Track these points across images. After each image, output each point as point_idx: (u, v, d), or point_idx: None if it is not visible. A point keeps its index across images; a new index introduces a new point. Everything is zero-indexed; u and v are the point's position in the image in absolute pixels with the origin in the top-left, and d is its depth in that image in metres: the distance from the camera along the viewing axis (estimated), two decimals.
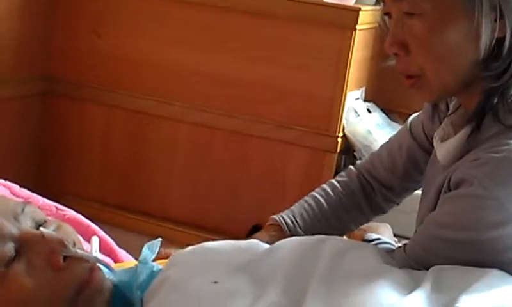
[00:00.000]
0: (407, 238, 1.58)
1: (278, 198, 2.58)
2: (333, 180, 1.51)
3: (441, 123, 1.24)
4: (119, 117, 2.77)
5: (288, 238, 1.15)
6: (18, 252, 0.95)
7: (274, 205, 2.58)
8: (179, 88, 2.65)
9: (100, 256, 1.09)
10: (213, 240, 1.34)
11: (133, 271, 1.04)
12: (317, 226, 1.41)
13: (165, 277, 1.01)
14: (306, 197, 1.48)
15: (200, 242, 1.26)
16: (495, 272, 1.00)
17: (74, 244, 1.00)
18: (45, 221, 1.03)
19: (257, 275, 1.01)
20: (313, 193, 1.49)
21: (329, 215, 1.45)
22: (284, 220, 1.43)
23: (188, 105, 2.64)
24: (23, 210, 1.01)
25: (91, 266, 0.99)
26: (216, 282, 0.99)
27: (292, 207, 1.47)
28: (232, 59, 2.56)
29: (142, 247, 1.14)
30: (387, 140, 1.52)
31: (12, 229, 0.96)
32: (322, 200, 1.46)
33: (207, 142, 2.67)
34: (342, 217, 1.46)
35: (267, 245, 1.13)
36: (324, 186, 1.50)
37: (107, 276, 1.02)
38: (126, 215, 2.77)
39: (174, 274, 1.01)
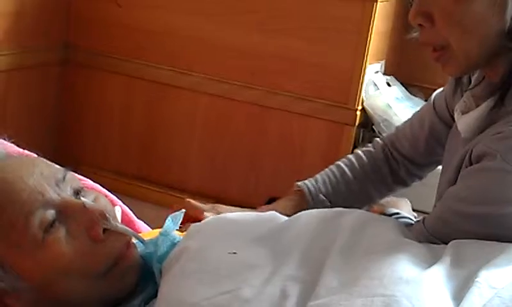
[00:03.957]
0: (426, 213, 1.57)
1: (296, 171, 2.58)
2: (359, 150, 1.52)
3: (463, 96, 1.23)
4: (138, 87, 2.77)
5: (307, 211, 1.15)
6: (58, 220, 0.96)
7: (292, 177, 2.57)
8: (198, 59, 2.65)
9: None
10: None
11: (155, 242, 1.05)
12: (340, 194, 1.41)
13: (184, 247, 1.02)
14: (331, 166, 1.49)
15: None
16: None
17: (113, 217, 1.00)
18: (82, 189, 1.03)
19: (275, 247, 1.01)
20: (339, 162, 1.49)
21: (352, 184, 1.45)
22: (307, 186, 1.44)
23: (207, 76, 2.64)
24: (64, 177, 1.01)
25: (127, 240, 1.00)
26: (234, 253, 0.99)
27: (317, 175, 1.47)
28: (250, 30, 2.55)
29: (159, 219, 1.15)
30: (412, 115, 1.51)
31: (54, 195, 0.97)
32: (346, 169, 1.47)
33: (226, 113, 2.67)
34: (365, 187, 1.46)
35: (286, 218, 1.12)
36: (350, 156, 1.50)
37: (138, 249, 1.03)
38: (144, 187, 2.78)
39: (193, 244, 1.02)
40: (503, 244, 1.00)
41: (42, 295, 0.96)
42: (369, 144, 1.54)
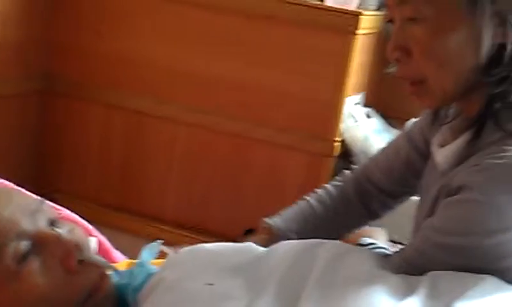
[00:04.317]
0: (402, 243, 1.58)
1: (278, 202, 2.56)
2: (328, 185, 1.51)
3: (440, 129, 1.24)
4: (118, 117, 2.77)
5: (284, 242, 1.15)
6: (32, 251, 0.95)
7: (274, 209, 2.58)
8: (179, 89, 2.65)
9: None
10: (210, 242, 1.34)
11: (130, 273, 1.04)
12: (310, 231, 1.40)
13: (160, 278, 1.01)
14: (299, 202, 1.48)
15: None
16: (490, 279, 1.00)
17: (88, 248, 1.00)
18: (59, 220, 1.02)
19: (252, 278, 1.01)
20: (307, 197, 1.49)
21: (322, 219, 1.45)
22: (276, 223, 1.43)
23: (187, 107, 2.65)
24: (40, 207, 1.00)
25: (102, 272, 1.00)
26: (211, 284, 0.98)
27: (285, 211, 1.46)
28: (232, 62, 2.56)
29: (136, 248, 1.14)
30: (383, 147, 1.51)
31: (29, 226, 0.96)
32: (315, 204, 1.46)
33: (206, 144, 2.67)
34: (335, 222, 1.46)
35: (263, 249, 1.12)
36: (318, 190, 1.50)
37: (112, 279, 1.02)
38: (122, 217, 2.77)
39: (169, 275, 1.01)
40: (478, 275, 1.00)
41: None
42: (338, 178, 1.53)
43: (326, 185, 1.51)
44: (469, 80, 1.09)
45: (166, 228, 2.70)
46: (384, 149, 1.50)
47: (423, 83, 1.11)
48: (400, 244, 1.61)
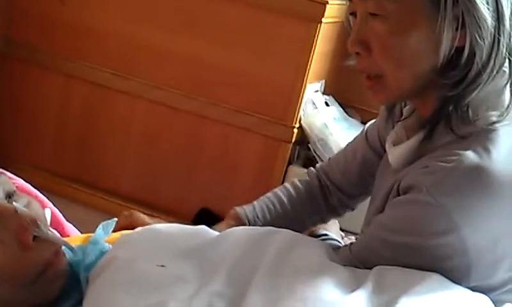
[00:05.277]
0: (353, 233, 1.61)
1: (230, 183, 2.60)
2: (296, 180, 1.53)
3: (394, 127, 1.26)
4: (77, 88, 2.74)
5: (238, 228, 1.16)
6: None
7: (225, 190, 2.61)
8: (139, 64, 2.64)
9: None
10: (163, 220, 1.34)
11: (83, 250, 1.04)
12: (276, 222, 1.42)
13: (112, 257, 1.01)
14: (268, 194, 1.50)
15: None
16: (436, 277, 1.02)
17: (44, 224, 0.99)
18: (15, 193, 1.01)
19: (204, 262, 1.02)
20: (276, 191, 1.51)
21: (290, 213, 1.47)
22: (245, 212, 1.44)
23: (147, 82, 2.64)
24: None
25: (57, 249, 0.99)
26: (162, 266, 0.99)
27: (254, 202, 1.48)
28: (193, 39, 2.55)
29: (90, 221, 1.14)
30: (345, 145, 1.53)
31: None
32: (284, 198, 1.48)
33: (163, 121, 2.66)
34: (302, 216, 1.48)
35: (217, 233, 1.13)
36: (287, 185, 1.52)
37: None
38: (76, 188, 2.75)
39: (122, 254, 1.01)
40: (424, 272, 1.03)
41: None
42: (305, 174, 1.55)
43: (294, 179, 1.54)
44: (425, 80, 1.11)
45: (120, 202, 2.69)
46: (344, 150, 1.52)
47: (380, 78, 1.13)
48: (351, 233, 1.64)
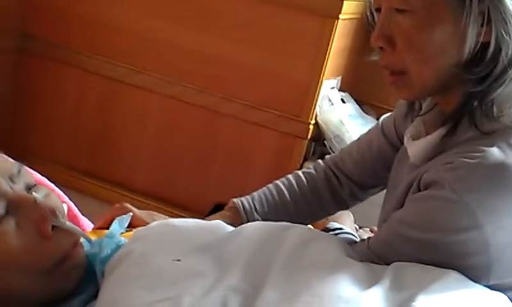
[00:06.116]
0: (367, 228, 1.60)
1: (244, 179, 2.59)
2: (299, 172, 1.52)
3: (413, 121, 1.25)
4: (92, 82, 2.75)
5: (253, 223, 1.15)
6: (8, 213, 0.96)
7: (240, 185, 2.60)
8: (155, 59, 2.64)
9: None
10: (177, 214, 1.34)
11: (100, 243, 1.05)
12: (275, 215, 1.41)
13: (128, 251, 1.01)
14: (269, 185, 1.49)
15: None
16: (454, 275, 1.01)
17: (63, 215, 1.00)
18: (35, 185, 1.03)
19: (220, 257, 1.02)
20: (277, 181, 1.50)
21: (289, 205, 1.46)
22: (242, 203, 1.44)
23: (162, 77, 2.64)
24: (19, 171, 1.01)
25: (75, 239, 1.00)
26: (178, 260, 0.99)
27: (254, 193, 1.47)
28: (210, 36, 2.55)
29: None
30: (358, 137, 1.52)
31: (7, 188, 0.97)
32: (284, 189, 1.47)
33: (178, 116, 2.67)
34: (302, 209, 1.47)
35: (232, 227, 1.13)
36: (289, 176, 1.51)
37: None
38: (91, 182, 2.76)
39: (137, 248, 1.01)
40: (442, 270, 1.02)
41: None
42: (310, 166, 1.54)
43: (297, 171, 1.52)
44: (448, 76, 1.10)
45: (134, 196, 2.69)
46: (357, 141, 1.51)
47: (403, 74, 1.12)
48: (366, 228, 1.63)
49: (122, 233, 1.10)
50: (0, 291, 0.95)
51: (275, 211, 1.44)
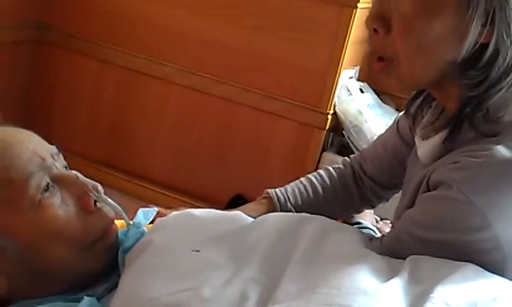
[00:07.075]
0: (387, 220, 1.59)
1: (263, 170, 2.59)
2: (330, 167, 1.51)
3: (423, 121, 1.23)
4: (110, 72, 2.75)
5: (272, 214, 1.15)
6: (53, 186, 0.99)
7: (259, 176, 2.60)
8: (172, 49, 2.64)
9: None
10: (194, 205, 1.35)
11: (125, 232, 1.07)
12: (308, 208, 1.41)
13: (148, 241, 1.02)
14: (301, 179, 1.48)
15: (181, 206, 1.27)
16: (472, 266, 1.01)
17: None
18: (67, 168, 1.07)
19: (239, 248, 1.02)
20: (310, 176, 1.49)
21: (321, 200, 1.45)
22: (276, 194, 1.43)
23: (179, 67, 2.64)
24: (58, 152, 1.06)
25: (112, 218, 1.04)
26: (197, 251, 0.99)
27: (287, 185, 1.47)
28: (227, 26, 2.55)
29: (122, 206, 1.15)
30: (377, 136, 1.51)
31: (52, 164, 1.01)
32: (317, 184, 1.47)
33: (196, 106, 2.67)
34: (332, 205, 1.46)
35: (251, 218, 1.13)
36: (321, 171, 1.50)
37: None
38: (109, 172, 2.77)
39: (157, 238, 1.02)
40: (459, 262, 1.01)
41: (27, 258, 0.97)
42: (340, 162, 1.53)
43: (328, 166, 1.52)
44: (441, 74, 1.07)
45: (152, 187, 2.70)
46: (374, 141, 1.50)
47: (392, 62, 1.08)
48: (386, 221, 1.63)
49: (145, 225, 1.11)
50: (43, 263, 0.97)
51: (307, 204, 1.43)
